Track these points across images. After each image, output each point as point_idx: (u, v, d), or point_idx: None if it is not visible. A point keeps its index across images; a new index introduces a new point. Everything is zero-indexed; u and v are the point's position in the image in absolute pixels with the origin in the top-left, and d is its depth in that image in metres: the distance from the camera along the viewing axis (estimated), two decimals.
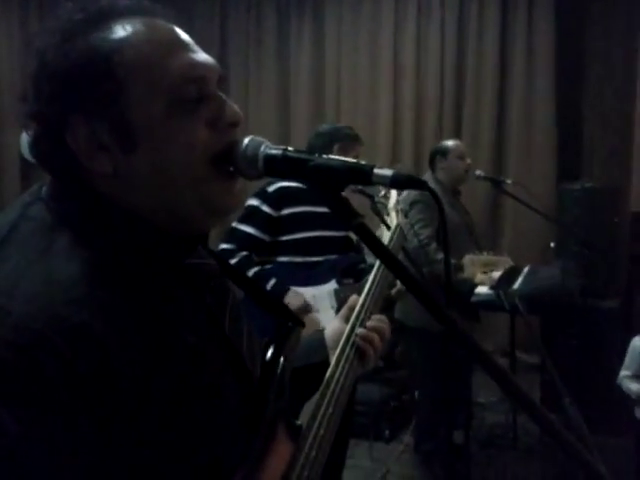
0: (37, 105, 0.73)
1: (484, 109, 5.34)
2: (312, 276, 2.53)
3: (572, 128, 5.27)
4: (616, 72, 5.05)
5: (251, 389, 0.82)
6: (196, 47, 0.78)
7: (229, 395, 0.79)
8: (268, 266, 2.52)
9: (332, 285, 2.56)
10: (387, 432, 3.82)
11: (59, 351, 0.60)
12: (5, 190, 5.26)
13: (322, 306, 2.53)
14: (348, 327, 1.08)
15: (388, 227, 1.52)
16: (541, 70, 5.21)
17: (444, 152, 3.43)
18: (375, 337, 1.09)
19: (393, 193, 1.73)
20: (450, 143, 3.51)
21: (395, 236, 1.45)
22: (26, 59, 0.75)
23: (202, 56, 0.78)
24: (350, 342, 1.05)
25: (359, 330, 1.08)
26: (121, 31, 0.73)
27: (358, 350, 1.06)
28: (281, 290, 2.46)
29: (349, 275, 2.66)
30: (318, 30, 5.78)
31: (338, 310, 2.54)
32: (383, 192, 1.76)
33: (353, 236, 2.68)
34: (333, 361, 1.00)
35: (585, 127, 5.26)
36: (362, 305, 1.13)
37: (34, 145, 0.76)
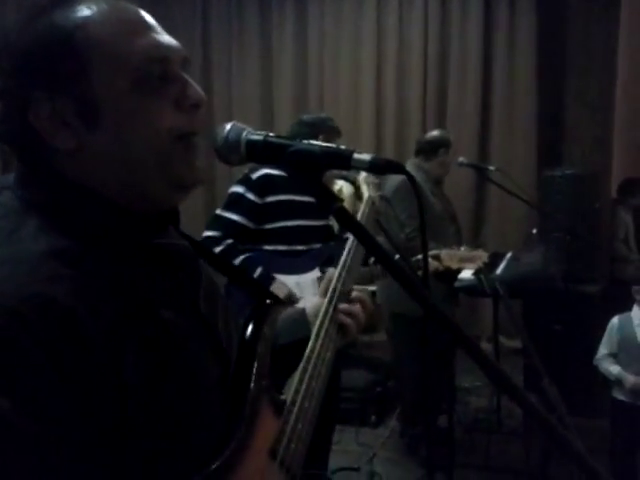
0: (1, 82, 0.74)
1: (467, 98, 5.37)
2: (296, 264, 2.54)
3: (554, 116, 5.32)
4: (597, 60, 5.10)
5: (227, 367, 0.84)
6: (160, 29, 0.79)
7: (208, 370, 0.81)
8: (253, 253, 2.52)
9: (315, 273, 2.58)
10: (373, 417, 3.87)
11: (33, 326, 0.62)
12: None
13: (306, 294, 2.55)
14: (326, 300, 1.10)
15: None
16: (523, 59, 5.25)
17: (448, 145, 3.41)
18: (357, 309, 1.12)
19: (362, 172, 1.73)
20: (452, 138, 3.49)
21: (367, 209, 1.45)
22: None
23: (166, 37, 0.79)
24: (329, 315, 1.06)
25: (342, 305, 1.10)
26: (85, 9, 0.74)
27: (337, 322, 1.08)
28: (267, 280, 2.47)
29: (331, 264, 2.67)
30: (300, 20, 5.77)
31: None
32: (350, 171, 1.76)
33: (335, 225, 2.69)
34: (312, 335, 1.02)
35: (566, 114, 5.31)
36: (338, 278, 1.14)
37: (0, 124, 0.76)
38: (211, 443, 0.77)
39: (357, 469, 3.28)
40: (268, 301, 0.94)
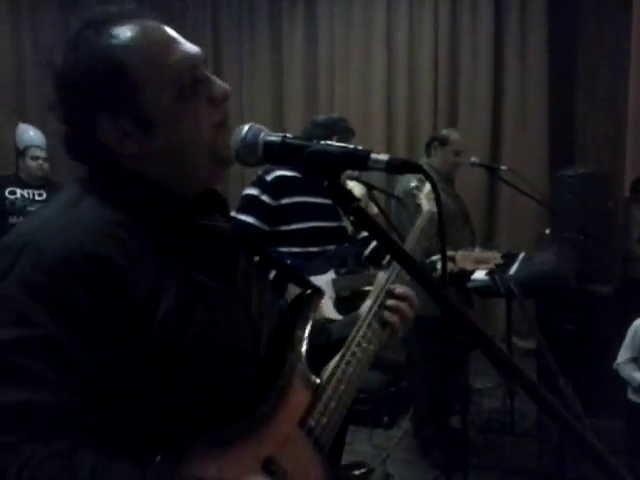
0: (66, 111, 0.89)
1: (478, 98, 5.35)
2: (310, 266, 2.54)
3: (565, 115, 5.29)
4: (609, 59, 5.07)
5: (257, 340, 0.95)
6: (181, 39, 0.93)
7: (239, 333, 0.92)
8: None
9: (330, 275, 2.57)
10: (386, 418, 3.86)
11: (81, 274, 0.77)
12: None
13: None
14: (372, 299, 1.17)
15: (383, 212, 1.55)
16: (534, 58, 5.22)
17: (443, 142, 3.42)
18: (403, 305, 1.18)
19: (427, 185, 1.78)
20: (452, 136, 3.47)
21: (424, 223, 1.48)
22: (42, 72, 0.88)
23: (189, 47, 0.93)
24: (373, 311, 1.14)
25: (389, 301, 1.16)
26: (123, 37, 0.87)
27: (382, 319, 1.14)
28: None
29: (345, 265, 2.66)
30: (311, 17, 5.78)
31: (336, 300, 2.55)
32: (415, 183, 1.82)
33: (348, 227, 2.68)
34: (355, 328, 1.09)
35: (578, 113, 5.28)
36: (387, 279, 1.20)
37: (68, 145, 0.92)
38: (240, 403, 0.87)
39: (372, 470, 3.27)
40: (309, 291, 1.06)
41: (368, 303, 1.19)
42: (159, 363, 0.81)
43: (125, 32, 0.88)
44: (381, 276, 1.23)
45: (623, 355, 2.94)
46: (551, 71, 5.21)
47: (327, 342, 1.14)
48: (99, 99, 0.87)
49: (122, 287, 0.79)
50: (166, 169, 0.90)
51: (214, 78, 0.93)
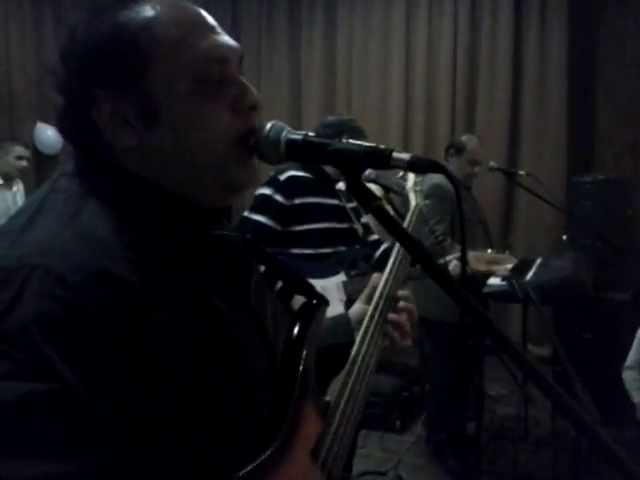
0: (65, 79, 0.75)
1: (497, 102, 5.32)
2: (321, 268, 2.52)
3: (584, 120, 5.24)
4: (628, 64, 5.02)
5: (273, 360, 0.85)
6: (220, 29, 0.79)
7: (256, 363, 0.82)
8: (279, 257, 2.51)
9: (340, 277, 2.55)
10: (398, 423, 3.84)
11: (99, 301, 0.64)
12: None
13: (330, 298, 2.52)
14: (371, 306, 1.09)
15: (400, 215, 1.54)
16: (554, 62, 5.18)
17: (459, 149, 3.39)
18: (404, 319, 1.11)
19: (410, 175, 1.74)
20: (470, 144, 3.43)
21: (414, 217, 1.45)
22: (58, 36, 0.78)
23: (225, 38, 0.79)
24: (374, 321, 1.06)
25: (390, 315, 1.09)
26: (150, 10, 0.75)
27: (382, 329, 1.07)
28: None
29: (356, 267, 2.65)
30: (330, 21, 5.78)
31: (346, 302, 2.53)
32: (401, 174, 1.77)
33: (359, 229, 2.67)
34: (357, 340, 1.02)
35: (597, 119, 5.23)
36: (385, 283, 1.13)
37: (60, 119, 0.77)
38: (254, 439, 0.77)
39: (384, 473, 3.26)
40: (314, 301, 0.96)
41: (361, 308, 1.13)
42: (178, 402, 0.70)
43: (153, 5, 0.75)
44: (376, 277, 1.15)
45: (632, 357, 2.91)
46: (570, 76, 5.17)
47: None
48: (102, 71, 0.73)
49: (145, 317, 0.67)
50: (163, 172, 0.76)
51: (248, 84, 0.79)
